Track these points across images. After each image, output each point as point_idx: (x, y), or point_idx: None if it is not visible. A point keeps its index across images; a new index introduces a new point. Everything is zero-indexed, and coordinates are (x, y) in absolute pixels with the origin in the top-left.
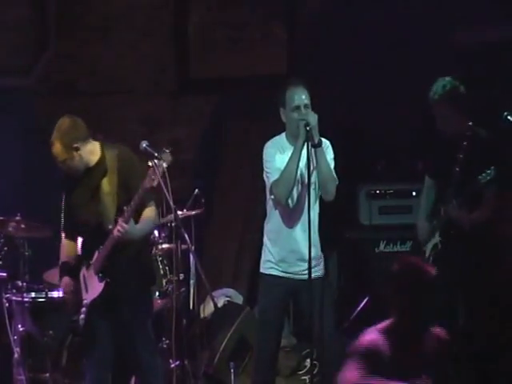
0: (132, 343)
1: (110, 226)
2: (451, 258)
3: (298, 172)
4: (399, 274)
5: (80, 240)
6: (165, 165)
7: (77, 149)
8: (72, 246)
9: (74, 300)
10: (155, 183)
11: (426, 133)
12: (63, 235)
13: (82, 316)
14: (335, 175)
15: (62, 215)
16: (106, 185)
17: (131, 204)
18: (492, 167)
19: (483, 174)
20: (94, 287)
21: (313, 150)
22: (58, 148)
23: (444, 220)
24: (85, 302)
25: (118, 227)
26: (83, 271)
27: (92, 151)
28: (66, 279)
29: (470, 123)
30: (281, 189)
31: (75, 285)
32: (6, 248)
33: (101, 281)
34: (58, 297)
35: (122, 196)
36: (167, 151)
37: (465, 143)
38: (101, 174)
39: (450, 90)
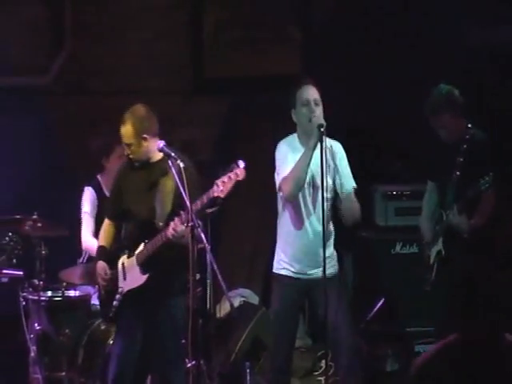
0: (161, 344)
1: (161, 224)
2: (453, 264)
3: (310, 173)
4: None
5: (124, 228)
6: (182, 165)
7: (145, 139)
8: (111, 233)
9: (108, 285)
10: (222, 194)
11: (427, 137)
12: (106, 220)
13: (116, 303)
14: (355, 184)
15: (109, 200)
16: (165, 184)
17: (192, 208)
18: (491, 173)
19: (482, 181)
20: (134, 277)
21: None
22: (128, 130)
23: (446, 225)
24: (120, 289)
25: (174, 227)
26: (123, 259)
27: (156, 150)
28: (102, 264)
29: (469, 125)
30: (289, 186)
31: (111, 271)
32: (22, 247)
33: (144, 273)
34: (75, 296)
35: (176, 200)
36: (241, 167)
37: (464, 146)
38: (161, 173)
39: (448, 96)
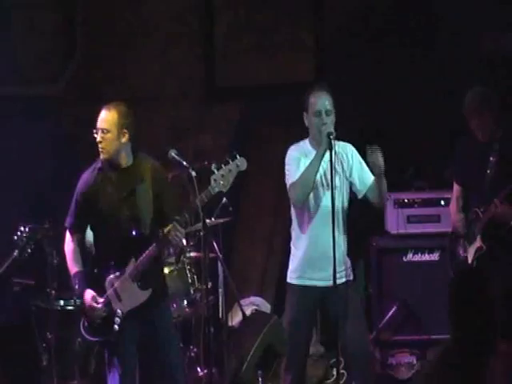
0: (162, 345)
1: (147, 233)
2: (497, 260)
3: (322, 177)
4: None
5: (99, 242)
6: (194, 173)
7: (124, 135)
8: (78, 251)
9: (102, 313)
10: (225, 188)
11: (452, 140)
12: (70, 234)
13: (116, 327)
14: (372, 177)
15: (72, 211)
16: (143, 191)
17: (190, 210)
18: None
19: None
20: (133, 296)
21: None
22: (112, 116)
23: (486, 220)
24: (119, 312)
25: (177, 232)
26: (111, 279)
27: (129, 153)
28: (90, 293)
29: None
30: (297, 191)
31: (102, 299)
32: (34, 255)
33: (144, 288)
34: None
35: (155, 206)
36: (241, 157)
37: (497, 145)
38: (135, 179)
39: (486, 96)
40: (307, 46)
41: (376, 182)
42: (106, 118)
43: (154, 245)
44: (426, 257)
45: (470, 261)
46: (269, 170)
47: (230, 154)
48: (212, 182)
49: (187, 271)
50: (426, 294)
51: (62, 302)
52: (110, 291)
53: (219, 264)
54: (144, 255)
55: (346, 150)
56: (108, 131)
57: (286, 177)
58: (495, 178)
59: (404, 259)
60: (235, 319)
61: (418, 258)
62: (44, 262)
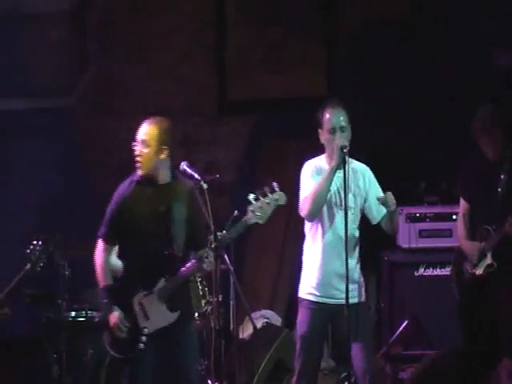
0: (183, 366)
1: (180, 255)
2: (508, 278)
3: (336, 195)
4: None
5: (130, 257)
6: (205, 186)
7: (162, 151)
8: (110, 260)
9: (126, 331)
10: (262, 220)
11: (465, 155)
12: (102, 244)
13: (142, 346)
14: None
15: (106, 221)
16: (179, 212)
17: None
18: None
19: None
20: (160, 316)
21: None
22: (153, 131)
23: (498, 238)
24: (145, 330)
25: (211, 260)
26: (140, 298)
27: (167, 171)
28: (117, 314)
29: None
30: (308, 206)
31: (128, 318)
32: (45, 267)
33: (173, 310)
34: (98, 316)
35: (187, 228)
36: (279, 191)
37: (507, 164)
38: (172, 198)
39: (496, 113)
40: (319, 60)
41: (389, 217)
42: (147, 131)
43: (187, 268)
44: (438, 271)
45: (478, 274)
46: (280, 183)
47: (269, 186)
48: (249, 212)
49: (198, 284)
50: (437, 308)
51: (73, 314)
52: (137, 308)
53: (230, 277)
54: (175, 276)
55: (364, 173)
56: (148, 145)
57: (300, 192)
58: (506, 197)
59: (415, 273)
60: (246, 332)
61: (429, 272)
62: (55, 274)
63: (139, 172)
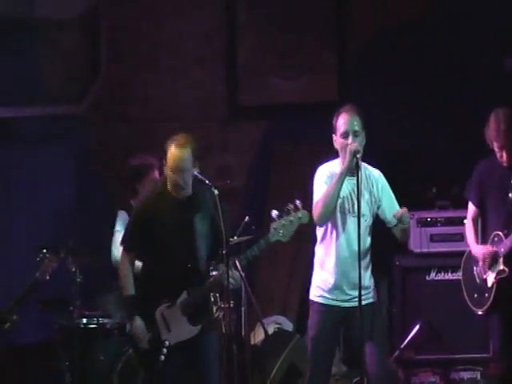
0: (203, 377)
1: (203, 269)
2: None
3: (348, 201)
4: None
5: (154, 269)
6: (216, 192)
7: (195, 165)
8: (131, 270)
9: (148, 343)
10: (285, 239)
11: (477, 160)
12: (124, 252)
13: (163, 357)
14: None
15: (128, 230)
16: (201, 225)
17: (252, 253)
18: None
19: None
20: (182, 329)
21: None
22: (188, 154)
23: (509, 245)
24: (166, 342)
25: (232, 280)
26: (162, 309)
27: (190, 181)
28: (140, 325)
29: None
30: (319, 210)
31: (150, 330)
32: (57, 273)
33: (194, 324)
34: (110, 323)
35: (212, 238)
36: (303, 209)
37: None
38: (194, 210)
39: (510, 117)
40: (330, 65)
41: (402, 230)
42: (183, 156)
43: (209, 283)
44: (449, 276)
45: (489, 283)
46: (291, 188)
47: (292, 203)
48: (272, 230)
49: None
50: (449, 312)
51: (84, 320)
52: (159, 320)
53: (242, 282)
54: (197, 291)
55: (377, 180)
56: (186, 171)
57: (313, 197)
58: None
59: (427, 278)
60: (258, 338)
61: (441, 276)
62: (67, 280)
63: (179, 196)
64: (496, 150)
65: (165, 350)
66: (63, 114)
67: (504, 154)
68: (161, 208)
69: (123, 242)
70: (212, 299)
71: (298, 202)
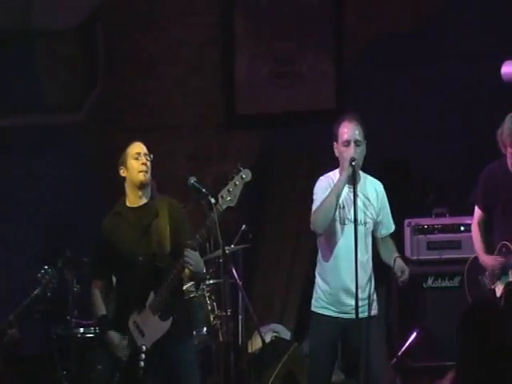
0: (183, 380)
1: (163, 265)
2: None
3: (347, 209)
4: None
5: (120, 283)
6: (213, 200)
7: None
8: (100, 294)
9: (127, 352)
10: (232, 203)
11: (476, 167)
12: (96, 284)
13: (142, 364)
14: (393, 227)
15: (96, 261)
16: (158, 226)
17: (201, 235)
18: None
19: None
20: (154, 329)
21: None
22: (142, 143)
23: None
24: (143, 348)
25: (186, 258)
26: (134, 318)
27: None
28: (113, 334)
29: None
30: (317, 218)
31: (126, 336)
32: (57, 280)
33: (164, 319)
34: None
35: (173, 239)
36: (245, 169)
37: None
38: (151, 215)
39: None
40: (328, 74)
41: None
42: (142, 145)
43: (170, 275)
44: (446, 283)
45: (498, 294)
46: (290, 197)
47: (234, 168)
48: (220, 199)
49: (207, 298)
50: (446, 319)
51: (81, 330)
52: (132, 329)
53: (239, 291)
54: (161, 287)
55: (377, 189)
56: (149, 157)
57: (312, 206)
58: None
59: (424, 285)
60: (255, 346)
61: (438, 284)
62: (64, 290)
63: (144, 181)
64: (509, 155)
65: (143, 356)
66: (61, 123)
67: None
68: (118, 225)
69: (90, 273)
70: (209, 307)
71: (239, 165)
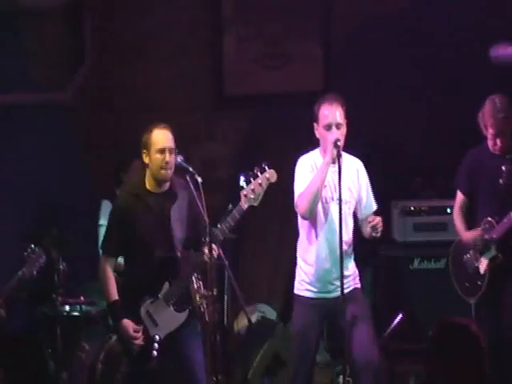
0: (194, 365)
1: (179, 254)
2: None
3: (330, 190)
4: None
5: (135, 268)
6: (200, 179)
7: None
8: (113, 275)
9: (141, 341)
10: (256, 203)
11: (462, 149)
12: (105, 259)
13: (155, 353)
14: (375, 207)
15: (108, 236)
16: (178, 214)
17: (226, 225)
18: None
19: None
20: (169, 320)
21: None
22: (170, 135)
23: (502, 231)
24: (157, 337)
25: (210, 252)
26: (147, 306)
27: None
28: (127, 322)
29: None
30: (304, 204)
31: (139, 325)
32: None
33: (180, 311)
34: (93, 311)
35: (191, 228)
36: (269, 169)
37: (507, 156)
38: (170, 202)
39: (508, 106)
40: (316, 55)
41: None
42: (170, 137)
43: (188, 268)
44: (433, 265)
45: (482, 271)
46: (278, 178)
47: (259, 166)
48: (242, 197)
49: (193, 278)
50: (431, 301)
51: (67, 308)
52: (145, 318)
53: (226, 271)
54: (178, 279)
55: (358, 168)
56: (173, 150)
57: (295, 189)
58: (509, 189)
59: (410, 267)
60: (241, 326)
61: (424, 265)
62: (51, 269)
63: (166, 178)
64: (489, 136)
65: (156, 345)
66: (48, 103)
67: (498, 142)
68: (138, 209)
69: (103, 248)
70: (195, 286)
71: (263, 163)
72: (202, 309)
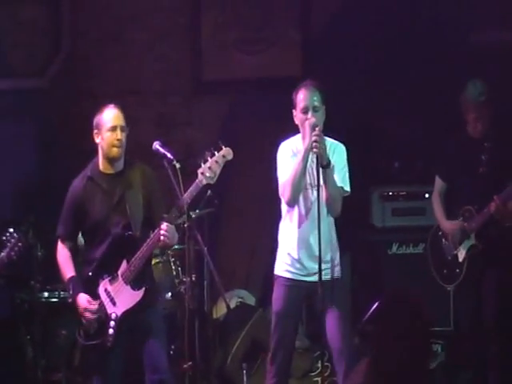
0: (154, 345)
1: (138, 234)
2: (493, 259)
3: (310, 175)
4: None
5: (90, 249)
6: (178, 165)
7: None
8: (70, 258)
9: (97, 316)
10: (212, 181)
11: (438, 136)
12: (62, 242)
13: (112, 331)
14: (347, 188)
15: (64, 220)
16: (132, 196)
17: (178, 207)
18: None
19: None
20: (127, 298)
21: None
22: (121, 112)
23: (482, 220)
24: (114, 315)
25: (163, 231)
26: (104, 284)
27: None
28: (83, 296)
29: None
30: (289, 192)
31: (95, 301)
32: (23, 243)
33: (137, 289)
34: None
35: (146, 209)
36: (226, 147)
37: (486, 144)
38: (125, 185)
39: (489, 90)
40: (295, 41)
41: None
42: (120, 115)
43: (145, 245)
44: (411, 249)
45: (461, 259)
46: (256, 163)
47: (215, 145)
48: (199, 175)
49: (172, 263)
50: (410, 286)
51: (46, 294)
52: (103, 296)
53: (204, 256)
54: (135, 257)
55: (334, 150)
56: (124, 129)
57: (278, 175)
58: (489, 177)
59: (389, 252)
60: (220, 312)
61: (402, 250)
62: (29, 255)
63: (117, 156)
64: (470, 120)
65: (112, 323)
66: (25, 88)
67: (479, 125)
68: (91, 193)
69: (59, 233)
70: (174, 272)
71: (220, 142)
72: (182, 294)
